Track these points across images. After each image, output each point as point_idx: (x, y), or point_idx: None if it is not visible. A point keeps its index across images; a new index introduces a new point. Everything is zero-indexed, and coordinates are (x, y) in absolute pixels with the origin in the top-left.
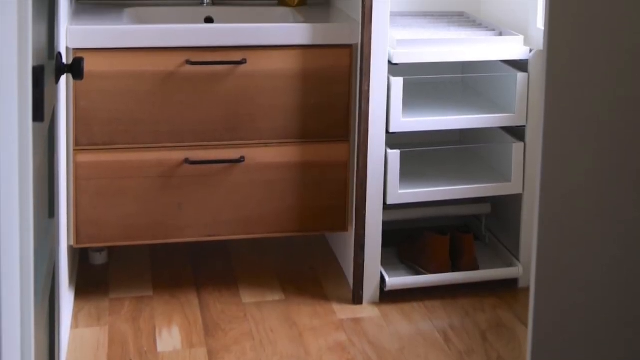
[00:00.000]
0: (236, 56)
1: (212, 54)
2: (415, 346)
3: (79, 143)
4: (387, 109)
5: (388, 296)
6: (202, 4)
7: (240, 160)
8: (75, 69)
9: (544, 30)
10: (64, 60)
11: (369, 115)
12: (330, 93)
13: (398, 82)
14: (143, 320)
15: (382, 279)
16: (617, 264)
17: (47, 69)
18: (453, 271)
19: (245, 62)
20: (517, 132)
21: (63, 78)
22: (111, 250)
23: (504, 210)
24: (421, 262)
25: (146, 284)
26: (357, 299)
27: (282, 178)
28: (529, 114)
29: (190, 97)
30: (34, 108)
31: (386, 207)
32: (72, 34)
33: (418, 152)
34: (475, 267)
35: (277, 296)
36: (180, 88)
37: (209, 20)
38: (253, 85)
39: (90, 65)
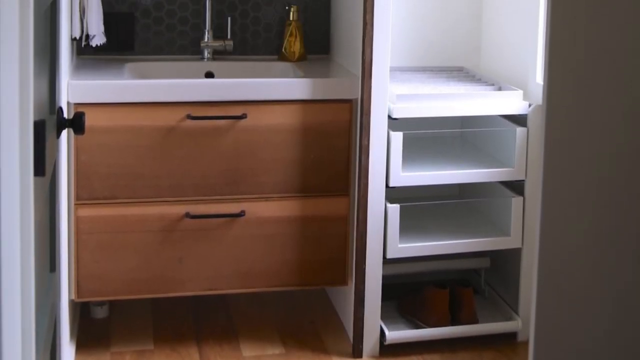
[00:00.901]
0: (237, 111)
1: (212, 109)
2: None
3: (80, 197)
4: (386, 163)
5: (388, 350)
6: (202, 59)
7: (241, 214)
8: (76, 123)
9: (543, 85)
10: (65, 115)
11: (369, 170)
12: (331, 147)
13: (398, 137)
14: None
15: (382, 332)
16: (616, 322)
17: (49, 123)
18: (452, 325)
19: (246, 117)
20: (516, 187)
21: (64, 132)
22: (112, 303)
23: (503, 264)
24: (421, 316)
25: (147, 338)
26: (357, 353)
27: (282, 232)
28: (528, 168)
29: (191, 152)
30: (35, 163)
31: (386, 261)
32: (73, 89)
33: (418, 206)
34: (474, 321)
35: (277, 350)
36: (181, 142)
37: (209, 75)
38: (253, 139)
39: (91, 119)
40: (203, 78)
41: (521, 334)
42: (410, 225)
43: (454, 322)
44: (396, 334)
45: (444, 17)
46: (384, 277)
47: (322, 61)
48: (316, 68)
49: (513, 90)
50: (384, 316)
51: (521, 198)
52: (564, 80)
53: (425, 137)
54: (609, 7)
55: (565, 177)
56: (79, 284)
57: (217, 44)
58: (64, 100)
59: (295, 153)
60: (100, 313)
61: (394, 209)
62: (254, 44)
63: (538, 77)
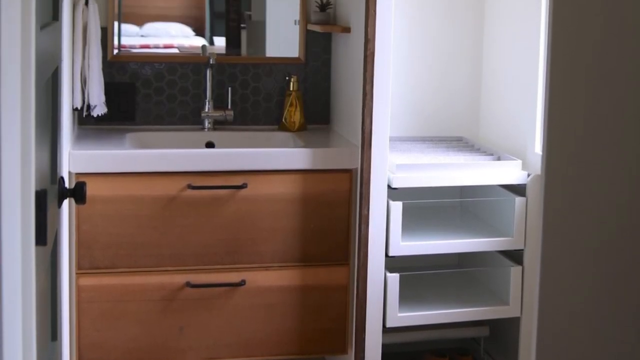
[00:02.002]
0: (237, 180)
1: (213, 179)
2: None
3: (81, 266)
4: (386, 232)
5: None
6: (203, 129)
7: (241, 283)
8: (78, 193)
9: (542, 155)
10: (67, 185)
11: (369, 239)
12: (331, 217)
13: (397, 207)
14: None
15: None
16: None
17: (50, 193)
18: None
19: (246, 187)
20: (515, 256)
21: (65, 202)
22: None
23: (502, 333)
24: None
25: None
26: None
27: (282, 301)
28: (527, 237)
29: (192, 221)
30: (36, 232)
31: (385, 329)
32: (74, 159)
33: (417, 275)
34: None
35: None
36: (181, 212)
37: (210, 145)
38: (254, 209)
39: (92, 189)
40: (204, 148)
41: None
42: (409, 294)
43: None
44: None
45: (443, 87)
46: (384, 346)
47: (322, 131)
48: (316, 138)
49: (512, 160)
50: None
51: (520, 267)
52: (563, 150)
53: (425, 206)
54: (606, 78)
55: (564, 247)
56: (80, 352)
57: (218, 114)
58: (65, 170)
59: (296, 222)
60: None
61: (394, 278)
62: (255, 114)
63: (537, 147)
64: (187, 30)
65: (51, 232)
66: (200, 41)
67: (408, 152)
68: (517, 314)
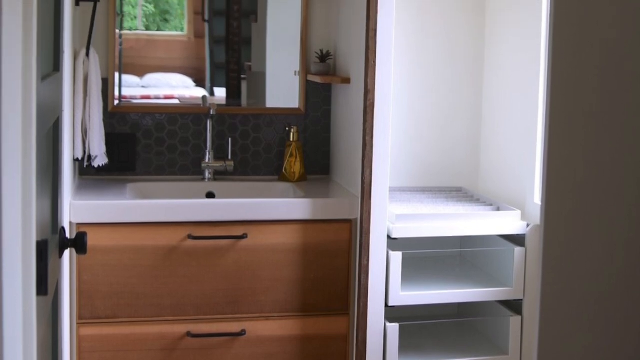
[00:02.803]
0: (237, 231)
1: (213, 229)
2: None
3: (82, 316)
4: (386, 282)
5: None
6: (203, 179)
7: (242, 333)
8: (79, 243)
9: (541, 206)
10: (68, 235)
11: (369, 289)
12: (330, 267)
13: (397, 257)
14: None
15: None
16: None
17: (51, 243)
18: None
19: (247, 237)
20: (514, 306)
21: (66, 252)
22: None
23: None
24: None
25: None
26: None
27: (282, 351)
28: (526, 287)
29: (192, 271)
30: (37, 282)
31: None
32: (75, 209)
33: (417, 325)
34: None
35: None
36: (182, 262)
37: (210, 195)
38: (254, 259)
39: (93, 239)
40: (204, 198)
41: None
42: (409, 344)
43: None
44: None
45: (443, 138)
46: None
47: (322, 181)
48: (316, 188)
49: (511, 211)
50: None
51: (519, 317)
52: (562, 200)
53: (425, 256)
54: (605, 129)
55: (563, 297)
56: None
57: (218, 164)
58: (66, 220)
59: (296, 272)
60: None
61: (393, 328)
62: (255, 164)
63: (536, 197)
64: (188, 81)
65: (52, 282)
66: (200, 92)
67: (408, 203)
68: None
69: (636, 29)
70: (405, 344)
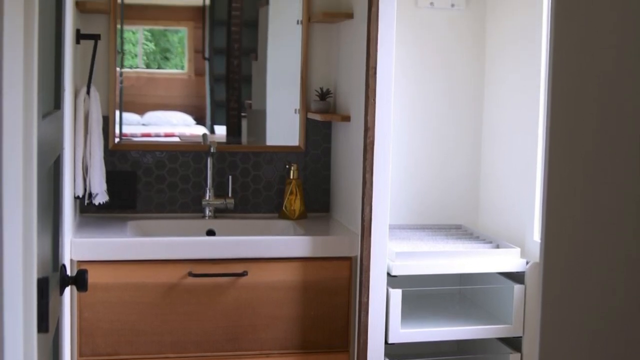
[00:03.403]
0: (238, 268)
1: (214, 266)
2: None
3: (83, 353)
4: (386, 319)
5: None
6: (204, 216)
7: None
8: (79, 280)
9: (541, 243)
10: (68, 272)
11: (368, 326)
12: (330, 304)
13: (397, 294)
14: None
15: None
16: None
17: (52, 280)
18: None
19: (247, 274)
20: (514, 343)
21: (67, 289)
22: None
23: None
24: None
25: None
26: None
27: None
28: (525, 325)
29: (193, 308)
30: (38, 319)
31: None
32: (76, 247)
33: None
34: None
35: None
36: (182, 299)
37: (210, 233)
38: (254, 296)
39: (93, 277)
40: (204, 236)
41: None
42: None
43: None
44: None
45: (442, 175)
46: None
47: (322, 219)
48: (316, 226)
49: (511, 248)
50: None
51: (519, 354)
52: (561, 238)
53: (424, 293)
54: (604, 167)
55: (563, 335)
56: None
57: (218, 202)
58: (67, 258)
59: (296, 309)
60: None
61: None
62: (255, 202)
63: (535, 234)
64: (188, 119)
65: (53, 320)
66: (201, 130)
67: (407, 240)
68: None
69: (636, 69)
70: None
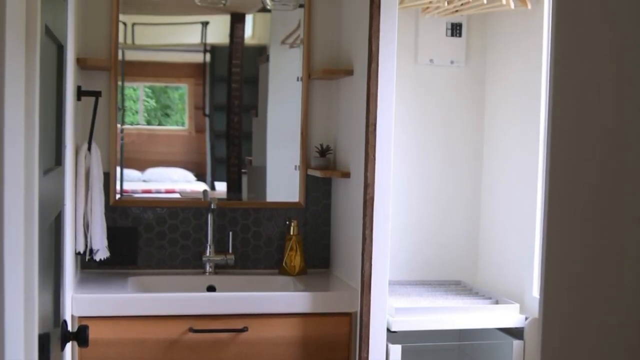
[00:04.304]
0: (238, 324)
1: (214, 322)
2: None
3: None
4: None
5: None
6: (204, 272)
7: None
8: (80, 336)
9: (540, 299)
10: (69, 328)
11: None
12: None
13: (397, 350)
14: None
15: None
16: None
17: (53, 336)
18: None
19: (247, 330)
20: None
21: (68, 345)
22: None
23: None
24: None
25: None
26: None
27: None
28: None
29: None
30: None
31: None
32: (77, 302)
33: None
34: None
35: None
36: (183, 355)
37: (211, 289)
38: (255, 352)
39: (94, 332)
40: (205, 292)
41: None
42: None
43: None
44: None
45: (442, 231)
46: None
47: (322, 275)
48: (316, 282)
49: (510, 304)
50: None
51: None
52: (561, 294)
53: (424, 349)
54: (604, 223)
55: None
56: None
57: (219, 258)
58: (68, 314)
59: None
60: None
61: None
62: (255, 258)
63: (534, 290)
64: (189, 175)
65: None
66: (201, 186)
67: (407, 296)
68: None
69: (636, 120)
70: None
